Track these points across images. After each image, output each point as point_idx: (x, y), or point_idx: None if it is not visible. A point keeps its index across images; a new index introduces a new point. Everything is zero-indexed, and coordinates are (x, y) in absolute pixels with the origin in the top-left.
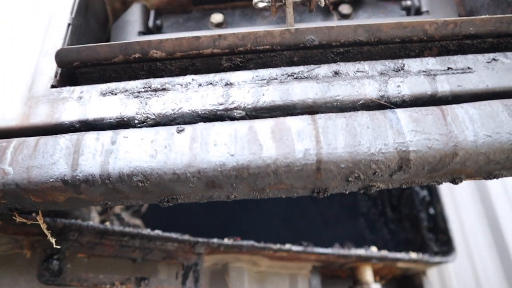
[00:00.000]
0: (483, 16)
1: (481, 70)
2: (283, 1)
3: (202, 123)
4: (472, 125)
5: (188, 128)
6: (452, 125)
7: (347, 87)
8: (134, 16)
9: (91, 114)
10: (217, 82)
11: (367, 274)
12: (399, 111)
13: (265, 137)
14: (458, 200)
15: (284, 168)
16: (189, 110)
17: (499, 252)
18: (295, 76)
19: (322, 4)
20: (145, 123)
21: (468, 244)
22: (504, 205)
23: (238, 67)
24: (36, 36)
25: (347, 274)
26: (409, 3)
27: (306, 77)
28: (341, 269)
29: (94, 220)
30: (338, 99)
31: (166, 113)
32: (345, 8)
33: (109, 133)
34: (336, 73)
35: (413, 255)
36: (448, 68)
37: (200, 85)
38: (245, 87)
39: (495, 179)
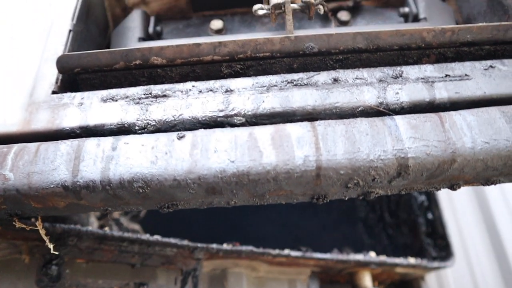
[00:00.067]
0: (480, 24)
1: (478, 77)
2: (283, 8)
3: (202, 129)
4: (470, 132)
5: (189, 134)
6: (450, 131)
7: (346, 94)
8: (134, 22)
9: (92, 120)
10: (217, 88)
11: (366, 279)
12: (398, 118)
13: (265, 144)
14: (456, 205)
15: (284, 175)
16: (189, 117)
17: (497, 257)
18: (294, 83)
19: (321, 12)
20: (145, 130)
21: (466, 249)
22: (502, 211)
23: (238, 74)
24: (37, 42)
25: (345, 279)
26: (407, 10)
27: (305, 84)
28: (340, 274)
29: (93, 225)
30: (338, 106)
31: (167, 120)
32: (343, 15)
33: (109, 139)
34: (335, 80)
35: (412, 260)
36: (446, 75)
37: (200, 91)
38: (245, 94)
39: (493, 185)
